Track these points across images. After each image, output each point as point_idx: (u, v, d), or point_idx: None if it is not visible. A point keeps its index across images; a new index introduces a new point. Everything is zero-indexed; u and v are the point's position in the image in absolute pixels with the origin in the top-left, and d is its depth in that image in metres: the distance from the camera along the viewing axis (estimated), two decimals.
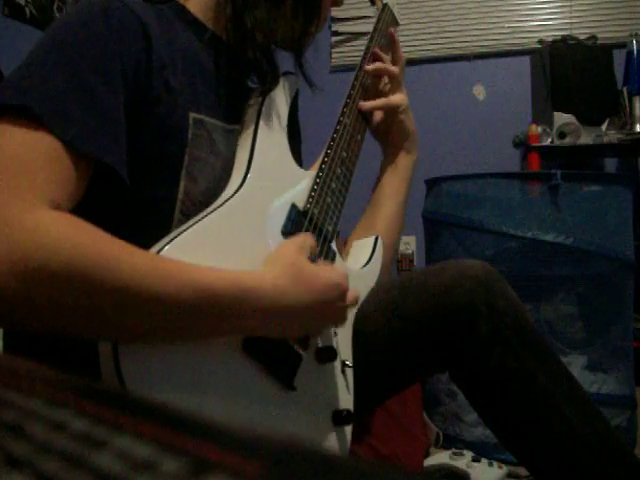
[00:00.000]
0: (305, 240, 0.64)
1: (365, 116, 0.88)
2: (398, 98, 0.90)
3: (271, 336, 0.59)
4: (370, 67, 0.90)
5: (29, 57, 0.58)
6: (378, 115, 0.93)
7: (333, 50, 2.96)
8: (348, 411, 0.68)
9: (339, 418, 0.68)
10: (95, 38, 0.59)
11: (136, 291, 0.48)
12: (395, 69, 0.91)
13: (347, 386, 0.72)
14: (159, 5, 0.72)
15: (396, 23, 1.02)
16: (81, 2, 0.63)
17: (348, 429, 0.70)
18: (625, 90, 2.31)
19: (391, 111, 0.91)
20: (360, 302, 0.80)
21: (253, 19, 0.73)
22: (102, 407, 0.17)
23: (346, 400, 0.71)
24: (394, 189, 0.91)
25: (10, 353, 0.64)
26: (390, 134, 0.93)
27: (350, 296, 0.64)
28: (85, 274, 0.47)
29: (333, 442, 0.67)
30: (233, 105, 0.75)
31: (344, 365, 0.72)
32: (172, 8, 0.74)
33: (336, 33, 2.94)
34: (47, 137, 0.53)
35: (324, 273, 0.62)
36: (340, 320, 0.66)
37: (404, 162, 0.93)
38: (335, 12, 2.94)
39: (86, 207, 0.57)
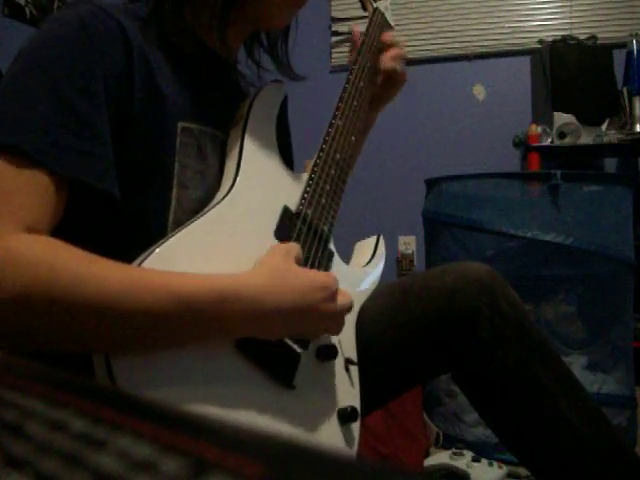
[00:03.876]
0: (292, 247, 0.63)
1: (374, 72, 0.92)
2: (404, 74, 0.94)
3: (257, 337, 0.57)
4: (390, 46, 0.93)
5: (8, 79, 0.57)
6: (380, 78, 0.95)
7: (333, 50, 2.96)
8: (353, 408, 0.68)
9: (344, 416, 0.67)
10: (75, 53, 0.58)
11: (114, 307, 0.48)
12: (403, 51, 0.96)
13: (352, 384, 0.71)
14: (138, 4, 0.70)
15: (390, 27, 1.02)
16: (58, 13, 0.61)
17: (355, 427, 0.69)
18: (625, 90, 2.31)
19: (399, 80, 0.94)
20: (361, 302, 0.80)
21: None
22: (102, 407, 0.17)
23: (351, 397, 0.70)
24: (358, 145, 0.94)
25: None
26: (381, 91, 0.96)
27: (343, 299, 0.63)
28: (61, 296, 0.47)
29: (340, 440, 0.67)
30: (220, 110, 0.74)
31: (348, 362, 0.71)
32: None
33: (336, 33, 2.94)
34: (25, 163, 0.53)
35: (309, 274, 0.61)
36: (334, 325, 0.64)
37: (371, 122, 0.96)
38: (335, 12, 2.94)
39: (78, 224, 0.57)
